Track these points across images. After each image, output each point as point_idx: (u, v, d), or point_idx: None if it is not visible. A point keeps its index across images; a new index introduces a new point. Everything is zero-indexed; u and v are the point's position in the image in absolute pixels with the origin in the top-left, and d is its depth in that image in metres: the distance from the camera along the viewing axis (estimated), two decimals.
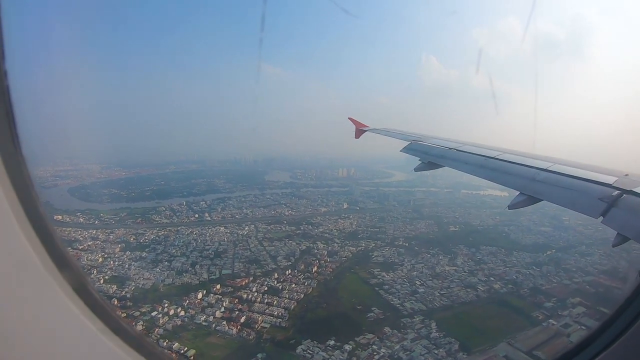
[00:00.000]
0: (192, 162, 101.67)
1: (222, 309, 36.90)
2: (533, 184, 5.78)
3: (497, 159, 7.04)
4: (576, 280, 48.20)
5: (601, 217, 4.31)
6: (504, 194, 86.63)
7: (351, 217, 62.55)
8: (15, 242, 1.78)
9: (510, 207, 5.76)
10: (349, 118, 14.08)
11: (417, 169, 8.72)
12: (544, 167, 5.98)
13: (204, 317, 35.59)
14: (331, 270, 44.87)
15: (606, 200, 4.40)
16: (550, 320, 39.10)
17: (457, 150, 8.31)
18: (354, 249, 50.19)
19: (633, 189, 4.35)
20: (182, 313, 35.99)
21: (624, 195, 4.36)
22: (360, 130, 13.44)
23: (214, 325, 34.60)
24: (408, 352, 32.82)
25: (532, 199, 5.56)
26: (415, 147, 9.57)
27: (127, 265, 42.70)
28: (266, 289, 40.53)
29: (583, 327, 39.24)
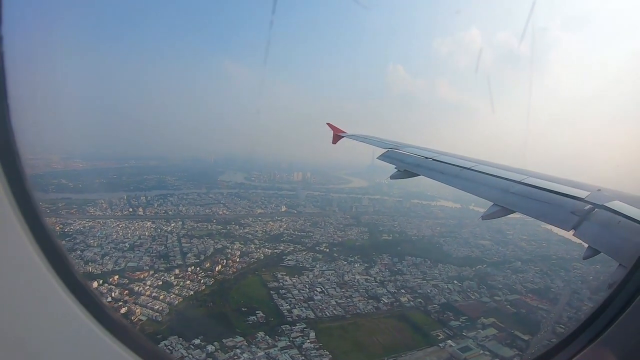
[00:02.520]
0: (153, 158, 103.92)
1: (109, 299, 37.66)
2: (507, 195, 5.85)
3: (472, 169, 7.12)
4: (497, 299, 46.34)
5: (573, 230, 4.45)
6: (456, 205, 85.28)
7: (284, 220, 62.37)
8: (13, 238, 1.82)
9: (483, 217, 5.80)
10: (327, 123, 13.98)
11: (393, 177, 8.72)
12: (518, 180, 6.06)
13: None
14: (235, 270, 44.85)
15: (578, 214, 4.54)
16: (448, 341, 37.46)
17: (433, 159, 8.35)
18: (270, 251, 49.97)
19: (605, 204, 4.48)
20: None
21: (596, 209, 4.51)
22: (337, 136, 13.44)
23: None
24: None
25: (506, 210, 5.60)
26: (391, 155, 9.60)
27: None
28: (160, 283, 41.10)
29: (486, 353, 37.52)
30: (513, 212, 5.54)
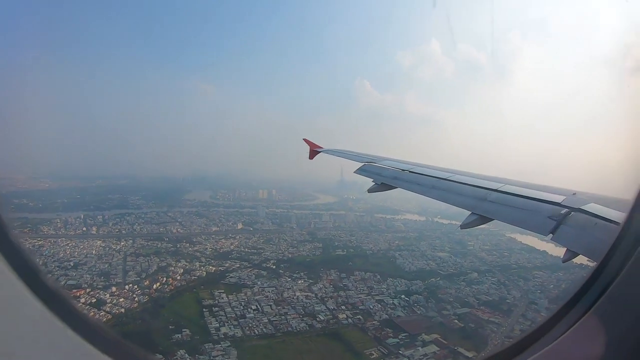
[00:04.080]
0: (122, 177, 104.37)
1: None
2: (484, 204, 5.94)
3: (449, 180, 7.19)
4: (445, 313, 45.02)
5: (551, 235, 4.58)
6: (421, 218, 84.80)
7: (237, 237, 62.31)
8: None
9: (462, 226, 5.88)
10: (303, 139, 13.88)
11: (370, 190, 8.78)
12: (495, 188, 6.14)
13: None
14: (173, 288, 44.74)
15: (555, 219, 4.64)
16: None
17: (410, 171, 8.37)
18: (214, 268, 49.76)
19: (581, 207, 4.61)
20: None
21: (572, 213, 4.62)
22: (314, 152, 13.39)
23: None
24: None
25: (484, 219, 5.71)
26: (368, 169, 9.57)
27: None
28: (94, 300, 41.12)
29: None
30: (491, 220, 5.67)
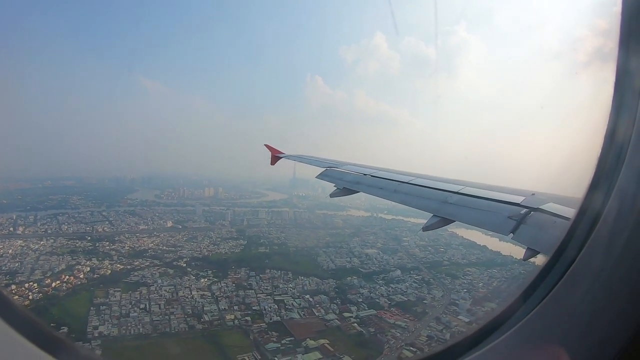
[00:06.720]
0: (71, 178, 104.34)
1: None
2: (446, 206, 6.11)
3: (410, 183, 7.38)
4: (347, 315, 42.91)
5: (511, 234, 4.72)
6: (366, 214, 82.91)
7: (162, 235, 62.01)
8: None
9: (424, 229, 6.02)
10: (265, 145, 14.03)
11: (332, 195, 8.90)
12: (456, 190, 6.35)
13: None
14: (70, 286, 44.91)
15: (515, 219, 4.81)
16: None
17: (372, 176, 8.57)
18: (121, 267, 49.87)
19: (539, 207, 4.78)
20: None
21: (532, 212, 4.78)
22: (275, 157, 13.65)
23: None
24: None
25: (446, 221, 5.87)
26: (330, 174, 9.74)
27: None
28: None
29: None
30: (452, 221, 5.78)
